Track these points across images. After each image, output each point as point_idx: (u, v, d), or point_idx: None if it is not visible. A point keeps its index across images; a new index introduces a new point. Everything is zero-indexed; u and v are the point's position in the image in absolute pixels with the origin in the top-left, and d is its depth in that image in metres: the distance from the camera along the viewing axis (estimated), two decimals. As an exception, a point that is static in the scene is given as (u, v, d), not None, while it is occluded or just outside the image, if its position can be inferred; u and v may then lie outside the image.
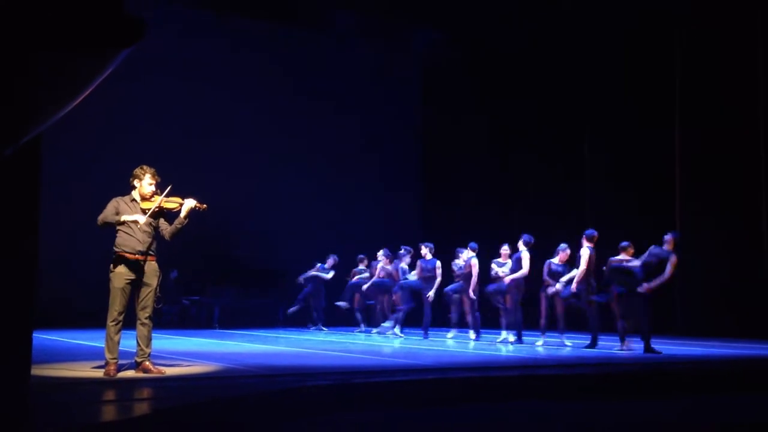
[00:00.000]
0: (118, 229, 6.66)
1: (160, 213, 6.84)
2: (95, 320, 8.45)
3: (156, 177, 6.83)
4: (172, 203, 6.85)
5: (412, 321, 12.96)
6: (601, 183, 15.62)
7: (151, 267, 6.73)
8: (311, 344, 10.79)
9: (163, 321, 14.39)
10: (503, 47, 17.27)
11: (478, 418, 5.74)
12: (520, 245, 11.37)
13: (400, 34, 17.98)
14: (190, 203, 6.84)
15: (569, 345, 10.48)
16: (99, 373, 6.53)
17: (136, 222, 6.65)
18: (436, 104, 18.91)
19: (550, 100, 16.56)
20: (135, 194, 6.82)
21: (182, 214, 6.81)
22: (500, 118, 17.71)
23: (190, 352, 8.90)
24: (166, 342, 10.20)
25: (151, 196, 6.82)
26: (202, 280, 15.13)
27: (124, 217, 6.64)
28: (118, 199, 6.77)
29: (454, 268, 12.60)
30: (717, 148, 13.57)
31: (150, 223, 6.74)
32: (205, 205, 6.93)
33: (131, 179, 6.83)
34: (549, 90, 16.56)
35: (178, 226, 6.84)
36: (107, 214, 6.68)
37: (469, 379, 7.04)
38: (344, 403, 5.86)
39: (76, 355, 8.53)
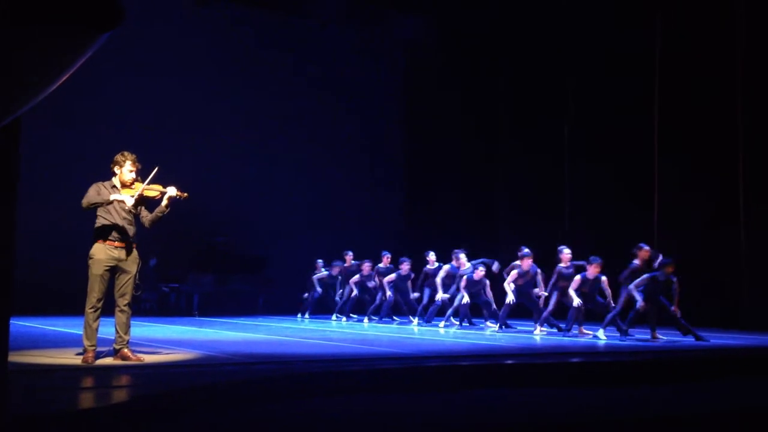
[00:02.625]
0: (98, 215, 6.61)
1: (141, 200, 6.79)
2: (74, 307, 8.40)
3: (136, 164, 6.76)
4: (152, 191, 6.79)
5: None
6: (581, 168, 15.67)
7: (131, 254, 6.69)
8: (291, 332, 10.80)
9: (143, 308, 14.34)
10: (486, 34, 17.29)
11: (463, 404, 5.77)
12: None
13: (383, 20, 17.93)
14: (171, 192, 6.80)
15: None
16: (77, 360, 6.50)
17: (123, 202, 6.59)
18: (419, 90, 18.88)
19: (533, 88, 16.58)
20: (115, 180, 6.75)
21: (163, 202, 6.78)
22: (484, 104, 17.70)
23: (170, 340, 8.87)
24: (145, 329, 10.17)
25: (132, 183, 6.75)
26: (182, 268, 15.05)
27: (113, 196, 6.58)
28: (99, 184, 6.70)
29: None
30: (697, 136, 13.63)
31: (130, 211, 6.69)
32: (186, 194, 6.89)
33: (112, 165, 6.76)
34: (534, 78, 16.59)
35: (159, 214, 6.81)
36: (92, 195, 6.59)
37: (442, 368, 7.08)
38: (323, 390, 5.86)
39: (55, 342, 8.49)
